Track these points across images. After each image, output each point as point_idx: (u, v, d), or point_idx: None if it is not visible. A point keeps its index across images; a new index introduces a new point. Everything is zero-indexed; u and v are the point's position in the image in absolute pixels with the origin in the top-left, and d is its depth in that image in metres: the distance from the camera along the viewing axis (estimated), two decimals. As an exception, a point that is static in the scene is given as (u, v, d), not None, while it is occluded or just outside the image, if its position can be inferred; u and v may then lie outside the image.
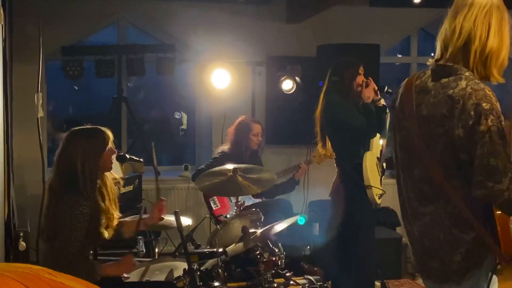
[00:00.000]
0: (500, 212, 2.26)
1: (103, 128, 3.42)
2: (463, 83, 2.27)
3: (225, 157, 5.23)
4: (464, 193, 2.29)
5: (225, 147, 5.54)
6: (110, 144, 3.43)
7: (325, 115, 4.51)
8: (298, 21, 6.66)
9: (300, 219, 6.07)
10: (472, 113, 2.20)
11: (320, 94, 4.62)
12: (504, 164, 2.18)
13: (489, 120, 2.19)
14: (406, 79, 2.54)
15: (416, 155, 2.40)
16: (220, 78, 5.97)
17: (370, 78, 4.49)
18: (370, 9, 6.74)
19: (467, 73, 2.30)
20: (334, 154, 4.71)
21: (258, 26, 6.62)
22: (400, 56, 7.80)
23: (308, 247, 5.73)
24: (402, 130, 2.47)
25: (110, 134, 3.45)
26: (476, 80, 2.28)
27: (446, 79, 2.32)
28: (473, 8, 2.32)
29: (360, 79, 4.49)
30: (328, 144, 4.64)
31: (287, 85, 6.04)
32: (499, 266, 2.33)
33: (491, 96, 2.23)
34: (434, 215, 2.36)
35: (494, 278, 2.36)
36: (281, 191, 5.73)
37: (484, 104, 2.20)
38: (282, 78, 6.04)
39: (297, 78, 6.03)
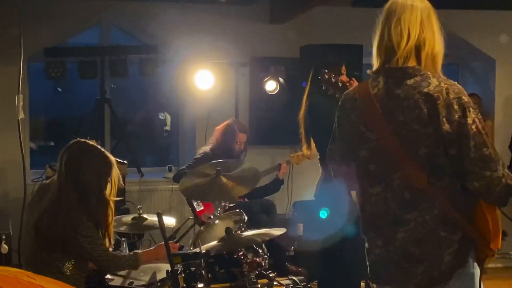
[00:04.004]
0: (485, 206, 2.29)
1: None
2: (434, 81, 2.31)
3: (206, 158, 5.22)
4: (451, 191, 2.30)
5: (207, 148, 5.53)
6: None
7: (309, 117, 4.51)
8: (281, 22, 6.66)
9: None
10: (456, 107, 2.25)
11: (303, 95, 4.62)
12: (494, 152, 2.25)
13: (472, 112, 2.26)
14: (353, 93, 2.52)
15: (392, 164, 2.36)
16: (203, 79, 5.97)
17: (353, 79, 4.49)
18: (353, 9, 6.75)
19: (428, 72, 2.34)
20: (318, 154, 4.71)
21: (241, 26, 6.61)
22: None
23: (292, 247, 5.73)
24: (368, 143, 2.42)
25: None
26: (442, 76, 2.35)
27: (413, 80, 2.33)
28: (415, 11, 2.39)
29: (343, 79, 4.49)
30: (313, 145, 4.64)
31: (271, 86, 6.04)
32: (487, 260, 2.35)
33: (463, 89, 2.32)
34: (419, 220, 2.33)
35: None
36: (266, 193, 5.73)
37: (463, 97, 2.28)
38: (266, 79, 6.05)
39: (280, 79, 6.03)
